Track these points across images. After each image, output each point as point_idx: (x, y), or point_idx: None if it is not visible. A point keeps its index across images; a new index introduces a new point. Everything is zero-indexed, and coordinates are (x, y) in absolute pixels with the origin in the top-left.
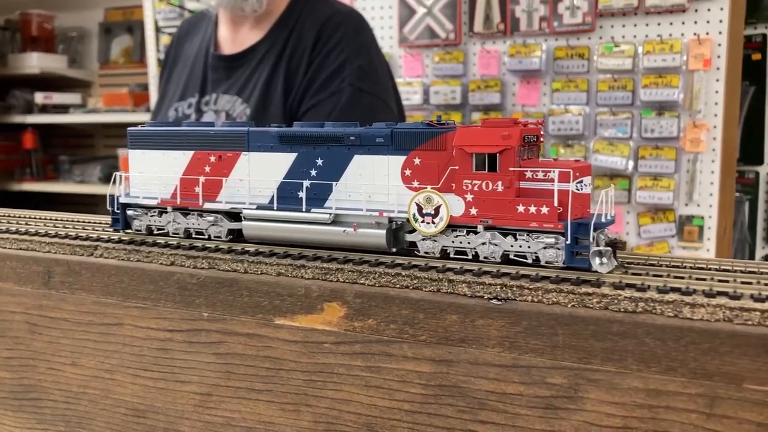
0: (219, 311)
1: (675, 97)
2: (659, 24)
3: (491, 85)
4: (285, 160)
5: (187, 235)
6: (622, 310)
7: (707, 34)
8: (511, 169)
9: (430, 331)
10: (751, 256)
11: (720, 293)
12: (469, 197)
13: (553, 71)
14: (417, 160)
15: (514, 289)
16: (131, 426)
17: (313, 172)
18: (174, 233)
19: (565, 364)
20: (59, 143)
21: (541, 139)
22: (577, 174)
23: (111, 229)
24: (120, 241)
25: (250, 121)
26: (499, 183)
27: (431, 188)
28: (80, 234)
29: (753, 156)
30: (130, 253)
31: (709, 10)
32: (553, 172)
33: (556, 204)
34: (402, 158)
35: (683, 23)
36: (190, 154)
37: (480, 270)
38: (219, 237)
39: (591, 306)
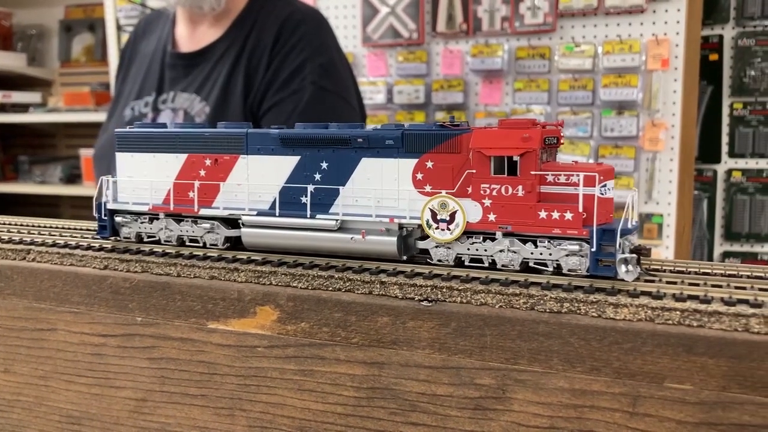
0: (152, 315)
1: (634, 96)
2: (618, 24)
3: (454, 84)
4: (287, 163)
5: (181, 243)
6: (548, 310)
7: (665, 34)
8: (533, 172)
9: (362, 333)
10: (710, 254)
11: (643, 293)
12: (487, 202)
13: (515, 71)
14: (429, 164)
15: (444, 290)
16: None
17: (318, 176)
18: (166, 241)
19: (493, 365)
20: (19, 143)
21: (562, 141)
22: (602, 178)
23: (91, 236)
24: (54, 244)
25: (210, 120)
26: (520, 187)
27: (446, 193)
28: (13, 237)
29: (711, 154)
30: (64, 257)
31: (666, 11)
32: (577, 175)
33: (581, 209)
34: (413, 161)
35: (642, 24)
36: (183, 157)
37: (412, 272)
38: (215, 245)
39: (518, 306)
